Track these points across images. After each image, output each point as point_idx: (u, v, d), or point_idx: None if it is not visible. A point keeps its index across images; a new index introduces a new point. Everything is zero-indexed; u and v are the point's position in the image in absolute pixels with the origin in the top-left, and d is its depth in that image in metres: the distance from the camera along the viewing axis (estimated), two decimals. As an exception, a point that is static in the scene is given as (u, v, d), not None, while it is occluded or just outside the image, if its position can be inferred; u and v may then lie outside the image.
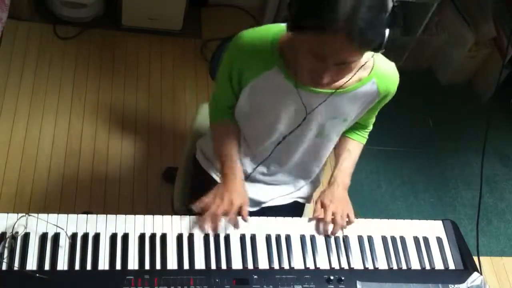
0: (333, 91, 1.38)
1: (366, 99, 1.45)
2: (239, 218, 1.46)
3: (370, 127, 1.67)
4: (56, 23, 2.84)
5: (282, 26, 1.38)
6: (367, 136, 1.68)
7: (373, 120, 1.64)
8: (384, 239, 1.51)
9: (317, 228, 1.50)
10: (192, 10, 3.06)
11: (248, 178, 1.67)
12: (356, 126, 1.64)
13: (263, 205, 1.71)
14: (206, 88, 2.83)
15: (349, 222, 1.51)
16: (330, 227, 1.50)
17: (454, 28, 3.07)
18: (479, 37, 3.02)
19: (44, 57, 2.73)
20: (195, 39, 3.02)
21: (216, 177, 1.70)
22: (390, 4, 1.13)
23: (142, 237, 1.39)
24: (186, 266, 1.36)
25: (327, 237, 1.49)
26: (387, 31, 1.14)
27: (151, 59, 2.88)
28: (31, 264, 1.30)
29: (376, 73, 1.40)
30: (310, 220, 1.52)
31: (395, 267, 1.47)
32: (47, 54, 2.75)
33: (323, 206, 1.52)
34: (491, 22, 3.00)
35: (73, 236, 1.35)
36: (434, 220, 1.60)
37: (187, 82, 2.85)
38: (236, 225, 1.45)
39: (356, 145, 1.65)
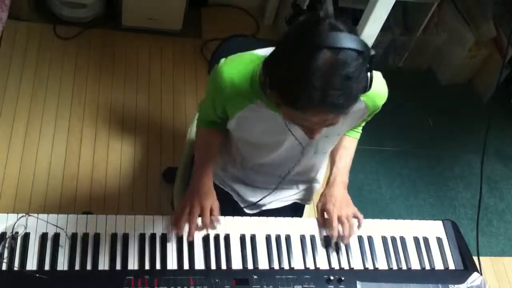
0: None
1: (356, 115, 1.43)
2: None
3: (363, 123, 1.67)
4: (56, 23, 2.84)
5: (263, 54, 1.32)
6: (360, 131, 1.66)
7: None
8: (384, 239, 1.51)
9: (328, 235, 1.49)
10: (192, 10, 3.06)
11: (247, 184, 1.67)
12: None
13: (263, 208, 1.70)
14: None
15: (359, 221, 1.51)
16: (340, 230, 1.48)
17: (454, 28, 3.07)
18: (479, 37, 3.02)
19: (44, 57, 2.73)
20: (195, 39, 3.02)
21: (216, 181, 1.69)
22: (368, 51, 1.09)
23: (142, 237, 1.39)
24: (186, 266, 1.36)
25: (332, 240, 1.48)
26: (369, 74, 1.11)
27: (151, 59, 2.88)
28: (31, 264, 1.30)
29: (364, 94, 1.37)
30: (319, 225, 1.51)
31: (395, 267, 1.47)
32: (47, 54, 2.74)
33: (326, 211, 1.51)
34: (491, 22, 3.00)
35: (73, 236, 1.35)
36: (434, 220, 1.60)
37: (187, 82, 2.85)
38: (208, 227, 1.42)
39: (351, 141, 1.64)
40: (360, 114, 1.44)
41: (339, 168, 1.58)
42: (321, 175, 1.78)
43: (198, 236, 1.42)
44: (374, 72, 1.39)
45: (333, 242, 1.48)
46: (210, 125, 1.57)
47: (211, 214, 1.43)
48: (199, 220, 1.43)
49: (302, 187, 1.73)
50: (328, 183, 1.57)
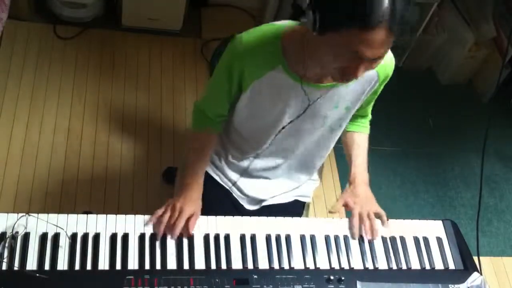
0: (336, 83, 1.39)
1: (367, 85, 1.45)
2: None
3: (370, 116, 1.68)
4: (56, 23, 2.85)
5: (281, 24, 1.37)
6: (368, 125, 1.69)
7: (371, 108, 1.65)
8: (384, 239, 1.51)
9: (352, 233, 1.50)
10: (192, 10, 3.06)
11: (248, 174, 1.67)
12: (357, 118, 1.65)
13: (264, 203, 1.71)
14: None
15: (381, 219, 1.53)
16: (361, 229, 1.51)
17: (454, 28, 3.07)
18: (479, 37, 3.02)
19: (44, 57, 2.73)
20: (195, 39, 3.02)
21: (216, 176, 1.70)
22: None
23: (142, 237, 1.39)
24: (186, 266, 1.36)
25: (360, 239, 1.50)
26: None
27: (151, 59, 2.89)
28: (31, 264, 1.29)
29: None
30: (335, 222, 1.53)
31: (395, 267, 1.47)
32: (47, 54, 2.75)
33: (346, 206, 1.54)
34: (491, 22, 3.00)
35: (73, 236, 1.35)
36: (434, 220, 1.60)
37: (187, 82, 2.85)
38: (174, 234, 1.40)
39: (362, 137, 1.67)
40: (371, 83, 1.45)
41: (356, 166, 1.62)
42: (321, 173, 1.79)
43: (198, 236, 1.42)
44: None
45: (356, 238, 1.49)
46: (208, 125, 1.57)
47: (188, 221, 1.42)
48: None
49: (302, 180, 1.73)
50: (349, 181, 1.60)
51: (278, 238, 1.45)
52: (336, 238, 1.49)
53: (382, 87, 1.52)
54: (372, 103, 1.63)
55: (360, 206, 1.53)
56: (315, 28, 1.17)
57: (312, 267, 1.42)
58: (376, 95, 1.56)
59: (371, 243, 1.50)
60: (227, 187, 1.69)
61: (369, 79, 1.44)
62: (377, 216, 1.54)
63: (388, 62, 1.46)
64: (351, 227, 1.50)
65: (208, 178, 1.69)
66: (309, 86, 1.39)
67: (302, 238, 1.47)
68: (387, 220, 1.53)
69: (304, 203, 1.79)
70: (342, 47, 1.16)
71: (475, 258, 1.54)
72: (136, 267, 1.34)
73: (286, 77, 1.38)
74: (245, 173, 1.67)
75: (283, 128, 1.53)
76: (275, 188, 1.71)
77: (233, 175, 1.69)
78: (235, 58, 1.40)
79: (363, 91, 1.46)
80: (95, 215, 1.40)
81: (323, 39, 1.18)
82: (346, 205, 1.55)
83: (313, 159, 1.68)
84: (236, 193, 1.70)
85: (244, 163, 1.65)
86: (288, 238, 1.46)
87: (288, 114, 1.48)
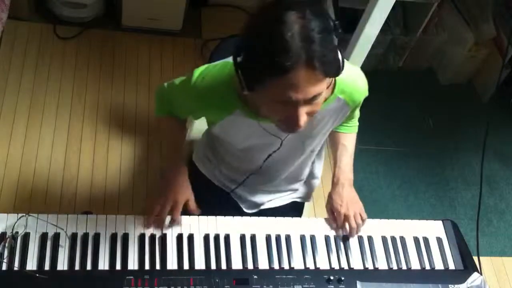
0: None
1: (337, 114, 1.43)
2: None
3: (358, 115, 1.63)
4: (56, 23, 2.85)
5: None
6: (357, 123, 1.65)
7: (357, 112, 1.60)
8: (384, 239, 1.52)
9: (336, 233, 1.51)
10: (192, 10, 3.06)
11: (243, 185, 1.66)
12: (344, 121, 1.62)
13: (262, 207, 1.70)
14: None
15: (362, 221, 1.52)
16: (346, 229, 1.50)
17: (454, 28, 3.07)
18: (479, 37, 3.02)
19: (44, 57, 2.73)
20: (195, 39, 3.02)
21: (214, 180, 1.70)
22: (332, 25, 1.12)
23: (142, 237, 1.39)
24: (186, 266, 1.36)
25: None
26: (339, 54, 1.13)
27: (151, 59, 2.89)
28: (31, 264, 1.30)
29: (340, 89, 1.35)
30: (328, 224, 1.52)
31: (395, 267, 1.47)
32: (47, 54, 2.75)
33: (334, 212, 1.52)
34: (491, 22, 3.00)
35: (73, 236, 1.35)
36: (434, 220, 1.60)
37: (187, 82, 2.84)
38: (177, 223, 1.42)
39: (349, 137, 1.63)
40: (342, 112, 1.43)
41: (341, 168, 1.58)
42: (319, 170, 1.77)
43: (198, 236, 1.42)
44: (355, 68, 1.41)
45: (340, 238, 1.49)
46: (173, 115, 1.57)
47: (187, 207, 1.44)
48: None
49: (299, 186, 1.73)
50: (333, 183, 1.58)
51: (278, 238, 1.45)
52: (336, 238, 1.49)
53: (358, 108, 1.49)
54: (357, 111, 1.59)
55: (345, 207, 1.51)
56: (243, 87, 1.16)
57: (312, 267, 1.42)
58: (356, 110, 1.53)
59: (371, 243, 1.50)
60: (226, 191, 1.69)
61: (338, 109, 1.41)
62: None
63: (355, 90, 1.41)
64: (336, 229, 1.51)
65: (207, 181, 1.69)
66: (269, 124, 1.34)
67: (302, 238, 1.47)
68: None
69: (303, 203, 1.79)
70: (273, 98, 1.15)
71: (475, 258, 1.54)
72: (136, 267, 1.34)
73: (247, 119, 1.36)
74: (240, 184, 1.67)
75: (260, 167, 1.53)
76: (272, 194, 1.71)
77: (229, 184, 1.68)
78: (192, 106, 1.41)
79: (334, 119, 1.44)
80: (95, 215, 1.40)
81: (256, 95, 1.18)
82: (334, 211, 1.53)
83: (300, 172, 1.67)
84: (234, 197, 1.69)
85: (237, 176, 1.65)
86: (288, 238, 1.46)
87: (262, 150, 1.47)
